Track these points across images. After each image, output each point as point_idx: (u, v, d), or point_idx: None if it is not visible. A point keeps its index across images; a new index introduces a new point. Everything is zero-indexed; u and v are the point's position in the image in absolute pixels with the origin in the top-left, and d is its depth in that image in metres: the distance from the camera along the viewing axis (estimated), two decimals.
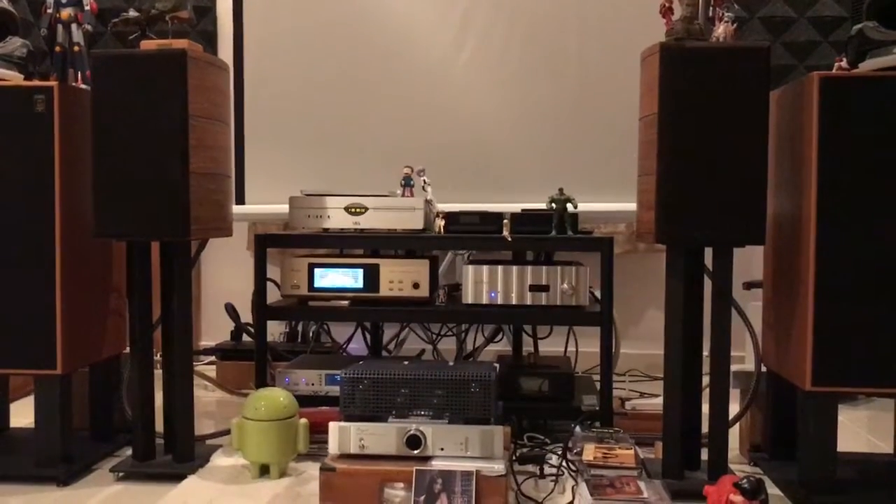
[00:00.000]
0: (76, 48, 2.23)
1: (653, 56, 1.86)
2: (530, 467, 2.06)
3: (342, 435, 1.83)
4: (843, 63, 1.91)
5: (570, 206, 2.33)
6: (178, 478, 1.99)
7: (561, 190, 2.34)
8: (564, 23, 2.84)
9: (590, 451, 1.85)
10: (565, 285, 2.28)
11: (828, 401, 1.84)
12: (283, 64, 2.95)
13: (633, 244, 3.28)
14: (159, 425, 2.11)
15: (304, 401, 2.24)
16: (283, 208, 2.77)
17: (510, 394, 2.32)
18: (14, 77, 2.02)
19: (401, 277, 2.34)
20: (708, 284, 1.91)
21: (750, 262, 2.94)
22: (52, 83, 1.96)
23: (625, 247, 3.27)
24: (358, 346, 3.07)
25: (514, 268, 2.30)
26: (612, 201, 2.81)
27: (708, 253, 1.94)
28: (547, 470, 2.04)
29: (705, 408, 1.94)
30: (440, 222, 2.38)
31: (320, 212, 2.40)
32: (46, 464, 2.00)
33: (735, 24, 1.88)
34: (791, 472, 1.96)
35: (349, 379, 1.86)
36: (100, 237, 1.96)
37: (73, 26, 2.24)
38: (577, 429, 2.04)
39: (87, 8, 2.60)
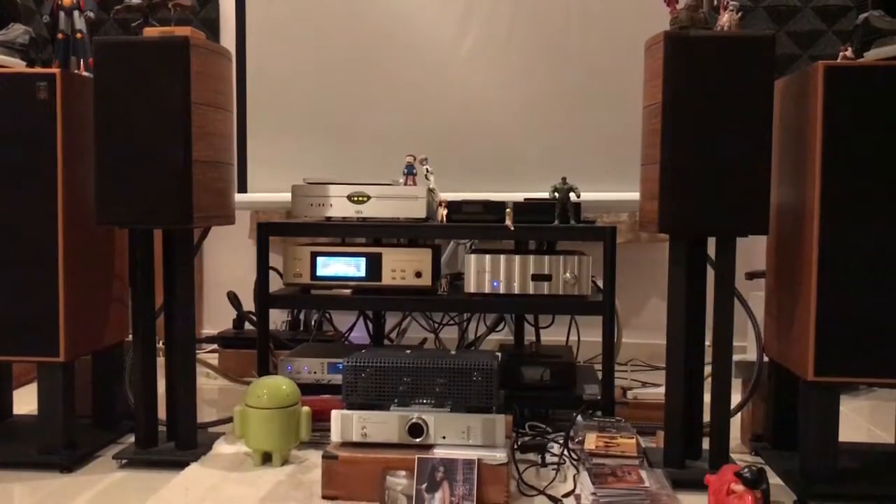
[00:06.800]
0: (79, 35, 2.22)
1: (657, 45, 1.85)
2: (532, 456, 2.06)
3: (344, 423, 1.83)
4: (848, 52, 1.90)
5: (572, 196, 2.33)
6: (180, 465, 1.99)
7: (564, 179, 2.34)
8: (568, 11, 2.83)
9: (591, 440, 1.86)
10: (567, 275, 2.28)
11: (829, 391, 1.84)
12: (285, 52, 2.94)
13: (636, 234, 3.28)
14: (162, 413, 2.11)
15: (307, 389, 2.24)
16: (286, 197, 2.76)
17: (512, 383, 2.33)
18: (16, 64, 2.01)
19: (403, 266, 2.34)
20: (711, 274, 1.91)
21: (753, 252, 2.93)
22: (55, 70, 1.95)
23: (627, 236, 3.27)
24: (360, 335, 3.07)
25: (517, 257, 2.29)
26: (614, 191, 2.80)
27: (711, 243, 1.94)
28: (548, 458, 2.04)
29: (707, 397, 1.94)
30: (442, 211, 2.38)
31: (323, 200, 2.40)
32: (49, 451, 2.00)
33: (740, 13, 1.87)
34: (792, 461, 1.97)
35: (351, 367, 1.86)
36: (102, 224, 1.96)
37: (76, 13, 2.22)
38: (579, 418, 2.05)
39: None
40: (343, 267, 2.36)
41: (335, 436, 1.84)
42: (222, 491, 1.84)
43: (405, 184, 2.45)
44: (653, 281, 3.34)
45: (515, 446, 2.06)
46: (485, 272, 2.30)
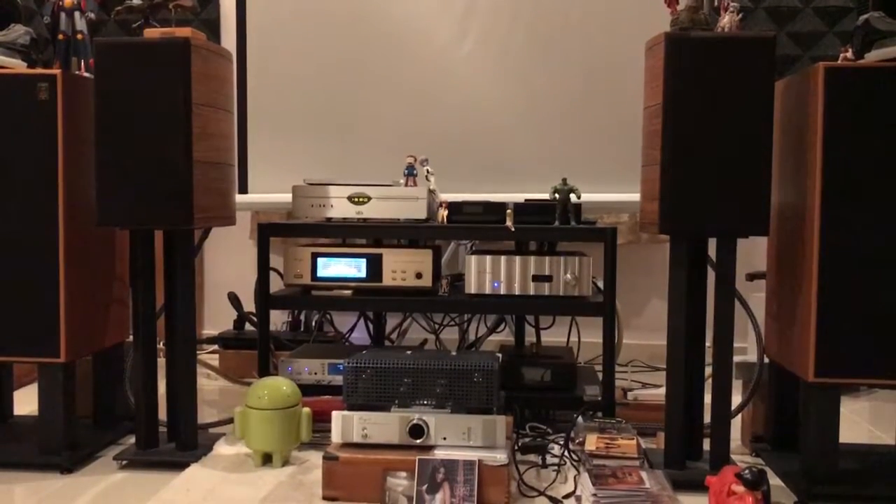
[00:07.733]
0: (79, 36, 2.22)
1: (657, 46, 1.85)
2: (532, 457, 2.06)
3: (345, 424, 1.83)
4: (849, 53, 1.90)
5: (573, 196, 2.33)
6: (180, 466, 1.99)
7: (564, 180, 2.34)
8: (568, 12, 2.83)
9: (592, 441, 1.86)
10: (568, 275, 2.28)
11: (830, 392, 1.84)
12: (286, 52, 2.94)
13: (636, 234, 3.28)
14: (162, 413, 2.11)
15: (307, 390, 2.25)
16: (286, 197, 2.77)
17: (512, 383, 2.33)
18: (17, 65, 2.01)
19: (404, 267, 2.34)
20: (711, 275, 1.91)
21: (753, 253, 2.94)
22: (56, 71, 1.95)
23: (628, 237, 3.27)
24: (360, 336, 3.07)
25: (517, 258, 2.29)
26: (615, 191, 2.80)
27: (712, 243, 1.94)
28: (549, 459, 2.04)
29: (707, 398, 1.94)
30: (443, 212, 2.38)
31: (323, 201, 2.40)
32: (50, 451, 2.00)
33: (740, 14, 1.87)
34: (793, 462, 1.97)
35: (352, 368, 1.86)
36: (103, 225, 1.96)
37: (77, 14, 2.23)
38: (580, 419, 2.05)
39: None
40: (344, 268, 2.36)
41: (336, 437, 1.84)
42: (223, 492, 1.84)
43: (406, 184, 2.45)
44: (653, 281, 3.34)
45: (516, 447, 2.06)
46: (485, 273, 2.30)
